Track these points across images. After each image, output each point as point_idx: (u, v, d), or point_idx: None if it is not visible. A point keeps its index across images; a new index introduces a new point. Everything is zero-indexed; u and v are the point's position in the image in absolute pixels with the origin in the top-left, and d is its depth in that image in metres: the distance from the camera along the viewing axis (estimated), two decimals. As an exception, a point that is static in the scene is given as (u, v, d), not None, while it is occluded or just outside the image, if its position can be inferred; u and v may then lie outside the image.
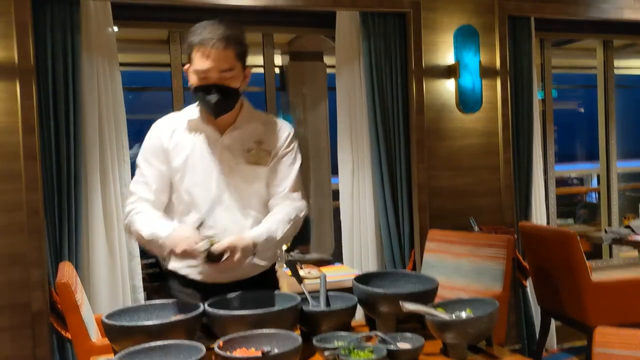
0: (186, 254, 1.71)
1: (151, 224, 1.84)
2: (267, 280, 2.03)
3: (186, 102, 3.75)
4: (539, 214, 4.19)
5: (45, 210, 3.14)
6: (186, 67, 1.92)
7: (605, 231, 4.27)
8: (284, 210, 1.95)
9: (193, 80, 1.88)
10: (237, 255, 1.72)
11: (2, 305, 3.09)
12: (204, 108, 1.93)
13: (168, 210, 2.00)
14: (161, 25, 3.76)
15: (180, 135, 1.97)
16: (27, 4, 3.08)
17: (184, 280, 1.97)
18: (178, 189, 1.96)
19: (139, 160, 1.99)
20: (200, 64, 1.84)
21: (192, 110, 2.00)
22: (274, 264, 2.09)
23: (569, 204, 7.07)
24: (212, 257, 1.71)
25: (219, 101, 1.87)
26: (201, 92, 1.87)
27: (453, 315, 1.65)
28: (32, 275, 3.10)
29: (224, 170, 1.94)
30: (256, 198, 1.98)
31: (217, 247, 1.71)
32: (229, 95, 1.88)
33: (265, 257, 1.97)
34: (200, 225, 1.79)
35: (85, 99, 3.24)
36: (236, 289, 1.85)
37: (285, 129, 2.04)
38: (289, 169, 2.01)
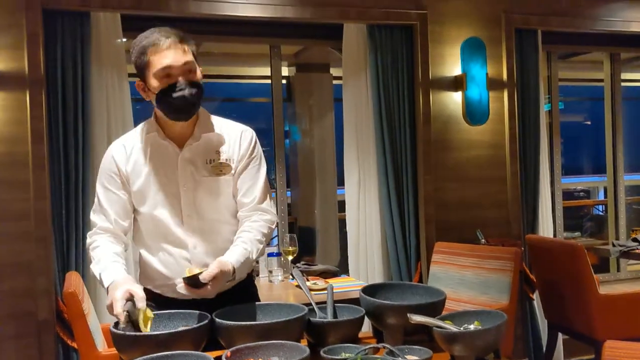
0: (117, 313, 1.63)
1: (101, 265, 1.83)
2: (245, 290, 1.99)
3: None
4: (546, 227, 4.18)
5: (53, 219, 3.16)
6: (138, 82, 1.87)
7: (613, 244, 4.24)
8: (256, 226, 1.89)
9: (154, 85, 1.81)
10: (219, 282, 1.68)
11: (8, 314, 3.10)
12: (171, 111, 1.84)
13: (135, 233, 1.98)
14: (169, 37, 3.78)
15: (137, 155, 1.91)
16: (39, 15, 3.12)
17: (159, 299, 1.93)
18: (141, 210, 1.92)
19: (97, 186, 1.96)
20: (160, 62, 1.79)
21: (147, 127, 1.93)
22: (250, 274, 2.05)
23: (575, 216, 7.04)
24: (195, 284, 1.66)
25: (192, 95, 1.81)
26: (168, 92, 1.80)
27: (461, 327, 1.64)
28: (38, 284, 3.11)
29: (188, 185, 1.89)
30: (225, 210, 1.94)
31: (204, 278, 1.65)
32: (199, 88, 1.83)
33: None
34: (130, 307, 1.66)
35: (94, 109, 3.26)
36: (215, 302, 1.76)
37: (246, 135, 1.97)
38: (255, 177, 1.95)
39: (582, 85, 6.91)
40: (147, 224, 1.94)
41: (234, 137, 1.96)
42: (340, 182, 4.00)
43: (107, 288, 1.74)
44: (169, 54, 1.80)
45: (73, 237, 3.17)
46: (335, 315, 1.80)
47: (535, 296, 4.00)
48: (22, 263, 3.11)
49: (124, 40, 3.41)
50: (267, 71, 4.00)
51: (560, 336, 3.91)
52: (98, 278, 1.83)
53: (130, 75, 3.44)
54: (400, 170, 3.78)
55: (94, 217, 1.96)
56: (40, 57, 3.12)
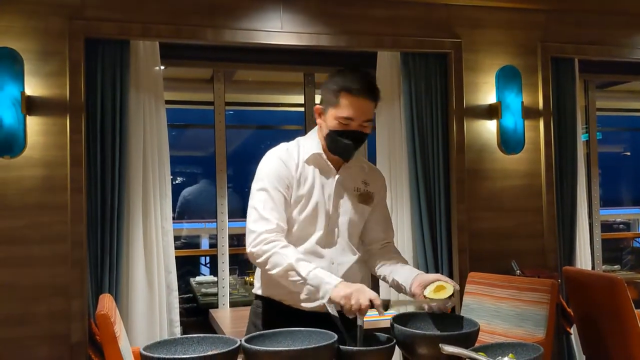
0: (365, 305, 1.75)
1: (312, 266, 1.88)
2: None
3: (228, 139, 3.84)
4: (584, 259, 4.07)
5: (88, 243, 3.21)
6: (318, 107, 2.04)
7: (655, 278, 4.11)
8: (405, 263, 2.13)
9: (332, 123, 1.98)
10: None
11: (42, 336, 3.14)
12: (334, 149, 2.02)
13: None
14: (205, 65, 3.87)
15: (302, 165, 2.05)
16: (81, 44, 3.22)
17: (281, 308, 2.03)
18: (294, 218, 2.02)
19: (264, 186, 2.00)
20: (347, 112, 1.95)
21: (311, 144, 2.08)
22: None
23: (614, 249, 6.85)
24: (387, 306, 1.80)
25: (354, 147, 2.00)
26: (341, 136, 1.98)
27: (495, 359, 1.60)
28: (73, 307, 3.15)
29: (337, 205, 2.06)
30: (358, 236, 2.12)
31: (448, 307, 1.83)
32: (362, 141, 2.02)
33: None
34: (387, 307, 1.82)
35: (131, 134, 3.33)
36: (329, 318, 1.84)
37: (382, 175, 2.24)
38: (388, 213, 2.22)
39: (621, 115, 6.79)
40: (294, 231, 2.03)
41: (374, 173, 2.21)
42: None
43: (335, 285, 1.81)
44: (357, 108, 1.95)
45: (107, 260, 3.21)
46: (365, 344, 1.77)
47: (573, 331, 3.88)
48: (58, 285, 3.16)
49: (162, 67, 3.49)
50: (300, 99, 4.04)
51: (600, 373, 3.77)
52: (307, 275, 1.86)
53: (167, 102, 3.52)
54: (433, 199, 3.74)
55: (268, 214, 1.97)
56: (81, 84, 3.21)
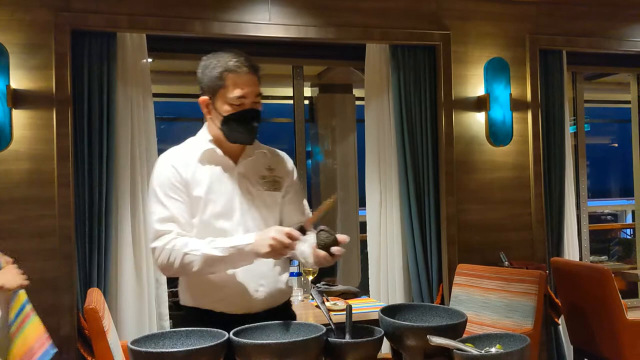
0: (287, 241, 1.74)
1: (219, 242, 1.84)
2: (286, 313, 2.04)
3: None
4: (572, 250, 4.10)
5: (76, 237, 3.19)
6: (204, 99, 1.95)
7: (641, 269, 4.15)
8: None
9: (225, 108, 1.91)
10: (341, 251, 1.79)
11: (31, 330, 3.12)
12: (235, 135, 1.93)
13: None
14: (194, 57, 3.81)
15: (195, 166, 1.96)
16: (67, 36, 3.19)
17: (206, 315, 1.93)
18: (199, 220, 1.93)
19: (158, 197, 1.92)
20: (237, 91, 1.90)
21: (201, 142, 1.99)
22: (289, 298, 2.11)
23: (602, 240, 6.91)
24: (330, 244, 1.78)
25: (254, 126, 1.93)
26: (239, 117, 1.91)
27: (482, 350, 1.61)
28: (62, 301, 3.14)
29: (244, 198, 1.97)
30: (274, 223, 2.00)
31: (342, 238, 1.79)
32: (259, 119, 1.95)
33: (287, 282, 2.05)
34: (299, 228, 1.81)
35: (119, 127, 3.31)
36: (261, 319, 1.81)
37: (289, 159, 2.15)
38: (302, 197, 2.14)
39: (609, 107, 6.83)
40: (203, 234, 1.92)
41: (279, 158, 2.11)
42: (362, 203, 3.99)
43: (252, 242, 1.80)
44: (245, 84, 1.91)
45: (95, 254, 3.20)
46: (354, 336, 1.77)
47: (561, 321, 3.91)
48: (47, 280, 3.14)
49: (150, 60, 3.47)
50: (289, 92, 4.03)
51: (587, 363, 3.81)
52: (222, 252, 1.82)
53: (155, 95, 3.50)
54: (422, 191, 3.75)
55: (162, 226, 1.89)
56: (67, 77, 3.18)
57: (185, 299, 2.03)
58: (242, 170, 1.99)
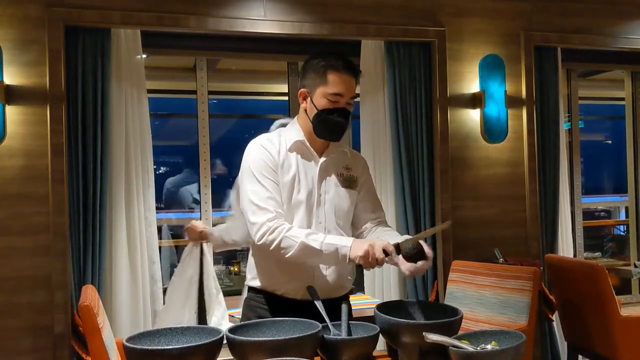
0: (381, 255, 1.83)
1: (318, 236, 1.94)
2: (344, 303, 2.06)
3: (211, 128, 3.81)
4: (566, 247, 4.12)
5: (71, 233, 3.18)
6: (303, 90, 2.08)
7: (635, 265, 4.17)
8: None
9: (322, 102, 2.03)
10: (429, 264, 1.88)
11: (25, 327, 3.12)
12: (325, 130, 2.05)
13: None
14: (188, 53, 3.83)
15: (284, 154, 2.08)
16: (61, 32, 3.17)
17: (270, 296, 2.07)
18: (286, 205, 2.05)
19: (255, 176, 2.02)
20: (336, 88, 2.02)
21: (293, 133, 2.11)
22: (350, 291, 2.21)
23: (596, 236, 6.93)
24: (416, 256, 1.84)
25: (344, 124, 2.05)
26: (332, 114, 2.03)
27: (478, 347, 1.61)
28: (56, 298, 3.13)
29: (324, 191, 2.09)
30: (348, 219, 2.15)
31: (428, 252, 1.86)
32: (348, 120, 2.08)
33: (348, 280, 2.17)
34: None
35: (113, 124, 3.29)
36: (326, 308, 1.84)
37: (363, 158, 2.29)
38: (375, 194, 2.26)
39: (603, 103, 6.84)
40: (286, 219, 2.03)
41: (355, 158, 2.24)
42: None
43: (351, 246, 1.89)
44: (345, 84, 2.03)
45: (90, 250, 3.18)
46: (349, 333, 1.77)
47: (555, 317, 3.93)
48: (41, 277, 3.13)
49: (144, 56, 3.45)
50: (284, 88, 4.02)
51: (581, 358, 3.83)
52: (322, 246, 1.92)
53: (149, 91, 3.48)
54: (417, 188, 3.75)
55: (265, 203, 1.99)
56: (61, 73, 3.16)
57: (251, 280, 2.14)
58: (324, 165, 2.11)
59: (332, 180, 2.12)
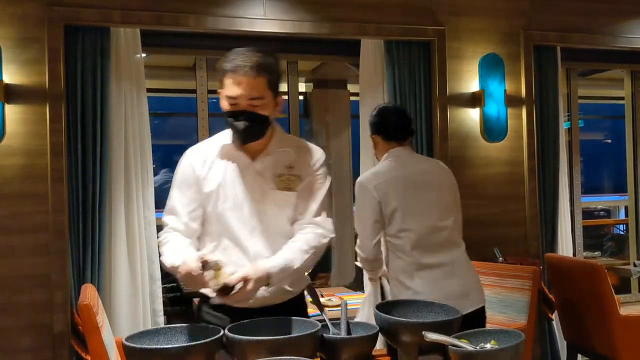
0: (188, 278, 1.77)
1: (172, 253, 1.91)
2: (296, 306, 2.03)
3: (211, 128, 3.81)
4: (565, 246, 4.11)
5: (70, 232, 3.18)
6: (219, 91, 1.95)
7: (634, 264, 4.17)
8: (305, 238, 1.96)
9: (224, 105, 1.93)
10: (250, 286, 1.76)
11: (25, 326, 3.11)
12: (233, 134, 1.97)
13: (203, 236, 2.04)
14: (188, 52, 3.83)
15: (212, 162, 2.01)
16: (60, 31, 3.17)
17: (215, 305, 2.00)
18: (210, 216, 2.00)
19: (172, 189, 2.04)
20: (231, 91, 1.88)
21: (225, 136, 2.03)
22: (303, 291, 2.09)
23: (596, 236, 6.93)
24: (225, 290, 1.75)
25: (247, 127, 1.90)
26: (231, 117, 1.92)
27: (477, 346, 1.61)
28: (55, 297, 3.13)
29: (256, 196, 1.98)
30: (288, 224, 2.01)
31: (231, 280, 1.74)
32: (257, 122, 1.91)
33: (293, 283, 2.00)
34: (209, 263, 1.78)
35: (113, 123, 3.29)
36: (266, 314, 1.85)
37: (315, 153, 2.06)
38: (315, 193, 2.03)
39: (603, 103, 6.84)
40: (213, 231, 2.01)
41: (304, 154, 2.05)
42: (357, 199, 3.98)
43: (178, 266, 1.82)
44: (241, 85, 1.87)
45: (89, 249, 3.18)
46: (349, 332, 1.77)
47: (555, 316, 3.93)
48: (40, 276, 3.13)
49: (144, 55, 3.45)
50: (284, 87, 4.02)
51: (580, 357, 3.83)
52: (169, 265, 1.90)
53: (148, 90, 3.48)
54: (416, 187, 3.74)
55: (165, 217, 2.03)
56: (60, 72, 3.16)
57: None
58: (259, 167, 2.00)
59: (268, 183, 1.99)
